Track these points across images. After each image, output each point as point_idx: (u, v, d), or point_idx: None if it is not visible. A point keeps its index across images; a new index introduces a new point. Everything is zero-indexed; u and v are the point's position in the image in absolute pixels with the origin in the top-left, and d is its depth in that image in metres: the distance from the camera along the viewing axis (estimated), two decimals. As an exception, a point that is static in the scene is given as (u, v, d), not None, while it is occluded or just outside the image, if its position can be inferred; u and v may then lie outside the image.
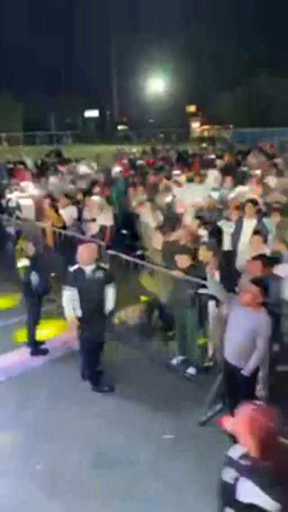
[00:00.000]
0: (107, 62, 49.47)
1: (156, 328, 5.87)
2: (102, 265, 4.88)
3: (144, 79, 48.12)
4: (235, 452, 2.16)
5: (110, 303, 4.84)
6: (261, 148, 18.94)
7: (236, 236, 6.45)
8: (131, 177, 12.04)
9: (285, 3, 41.74)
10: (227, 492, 2.09)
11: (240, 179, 10.19)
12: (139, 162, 15.95)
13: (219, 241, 6.65)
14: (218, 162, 14.74)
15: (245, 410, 2.10)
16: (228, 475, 2.12)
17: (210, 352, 5.07)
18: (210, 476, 3.65)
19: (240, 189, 9.02)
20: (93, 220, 8.10)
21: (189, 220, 7.07)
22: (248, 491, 2.00)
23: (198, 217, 6.98)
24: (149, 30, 49.68)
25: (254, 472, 2.01)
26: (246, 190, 8.71)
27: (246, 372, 3.82)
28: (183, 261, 5.09)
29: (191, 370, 5.11)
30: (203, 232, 6.55)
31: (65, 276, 4.88)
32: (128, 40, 48.41)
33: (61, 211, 8.02)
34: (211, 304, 4.88)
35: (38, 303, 5.55)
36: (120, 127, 50.17)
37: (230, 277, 4.86)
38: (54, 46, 49.73)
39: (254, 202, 6.72)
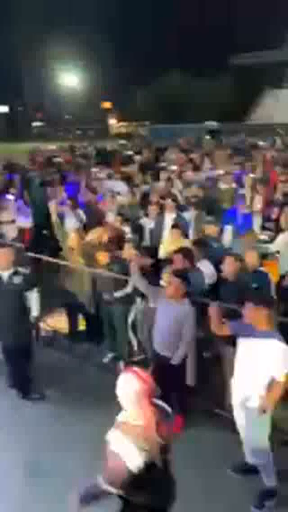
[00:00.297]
0: (18, 57, 47.33)
1: (84, 330, 5.80)
2: (21, 269, 4.67)
3: (58, 75, 46.97)
4: (120, 415, 2.42)
5: (34, 309, 4.64)
6: (178, 144, 19.59)
7: (157, 231, 6.61)
8: (48, 176, 11.70)
9: (193, 5, 43.52)
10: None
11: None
12: (56, 159, 15.54)
13: (141, 237, 6.76)
14: (137, 158, 14.95)
15: (122, 376, 2.34)
16: (110, 433, 2.35)
17: (135, 346, 5.13)
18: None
19: (158, 184, 9.27)
20: (12, 221, 7.75)
21: (111, 217, 7.08)
22: (118, 440, 2.27)
23: (119, 214, 7.02)
24: (61, 25, 48.51)
25: (126, 427, 2.29)
26: (163, 186, 8.97)
27: (175, 361, 3.97)
28: (103, 258, 5.10)
29: (121, 366, 5.15)
30: (126, 229, 6.61)
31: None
32: (39, 35, 46.78)
33: None
34: (137, 299, 4.96)
35: None
36: (35, 123, 48.48)
37: (153, 272, 4.97)
38: None
39: (173, 197, 6.93)
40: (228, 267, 4.34)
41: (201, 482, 3.64)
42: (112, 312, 5.13)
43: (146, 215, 7.20)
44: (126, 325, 5.07)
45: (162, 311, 4.07)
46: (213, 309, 3.56)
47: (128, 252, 5.03)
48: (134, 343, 5.13)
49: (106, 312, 5.23)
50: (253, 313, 3.21)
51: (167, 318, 3.98)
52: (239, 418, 3.48)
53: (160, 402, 2.46)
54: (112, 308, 5.10)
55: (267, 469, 3.38)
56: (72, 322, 5.68)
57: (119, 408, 2.45)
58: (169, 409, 2.48)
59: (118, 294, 4.95)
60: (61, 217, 7.50)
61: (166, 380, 4.16)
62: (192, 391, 4.39)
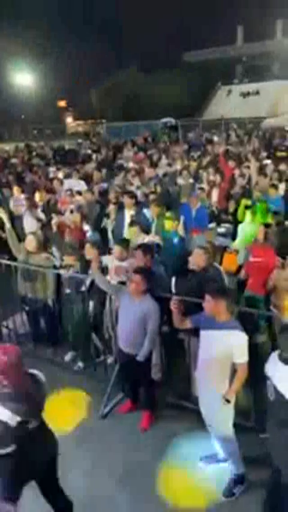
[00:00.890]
0: None
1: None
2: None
3: (11, 74, 45.60)
4: None
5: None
6: (134, 141, 19.65)
7: (118, 229, 6.60)
8: (4, 177, 11.39)
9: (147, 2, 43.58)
10: None
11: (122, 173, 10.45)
12: (13, 160, 15.17)
13: (105, 239, 6.76)
14: (95, 157, 14.87)
15: None
16: None
17: (98, 345, 5.10)
18: (116, 464, 3.77)
19: (116, 182, 9.28)
20: None
21: (69, 216, 7.00)
22: None
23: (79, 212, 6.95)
24: (11, 22, 47.09)
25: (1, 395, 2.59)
26: (121, 183, 8.99)
27: (140, 357, 3.97)
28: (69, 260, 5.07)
29: (80, 364, 5.14)
30: (87, 227, 6.56)
31: None
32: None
33: None
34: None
35: None
36: (-12, 124, 46.90)
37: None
38: None
39: (130, 194, 6.94)
40: (195, 258, 4.38)
41: (171, 474, 3.68)
42: (72, 310, 5.08)
43: (106, 215, 7.17)
44: (85, 324, 5.02)
45: (125, 308, 4.06)
46: (175, 304, 3.60)
47: (89, 251, 4.96)
48: (97, 342, 5.08)
49: (67, 311, 5.17)
50: (212, 305, 3.28)
51: (130, 315, 3.97)
52: (204, 408, 3.54)
53: (35, 371, 2.90)
54: (72, 307, 5.05)
55: (233, 456, 3.47)
56: (34, 325, 5.55)
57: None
58: (42, 378, 2.88)
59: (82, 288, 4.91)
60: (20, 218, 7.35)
61: (133, 376, 4.20)
62: (159, 385, 4.44)
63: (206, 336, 3.38)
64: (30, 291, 5.26)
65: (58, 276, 5.23)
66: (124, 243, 5.05)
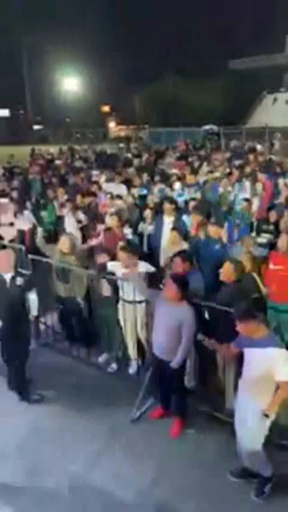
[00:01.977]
0: (19, 60, 47.49)
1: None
2: (22, 271, 4.68)
3: (59, 79, 47.09)
4: None
5: (33, 309, 4.69)
6: (176, 147, 19.68)
7: (157, 235, 6.61)
8: (47, 178, 11.75)
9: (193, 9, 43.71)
10: None
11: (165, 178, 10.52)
12: (57, 162, 15.61)
13: (141, 242, 6.80)
14: (136, 162, 15.01)
15: None
16: None
17: (130, 348, 5.11)
18: (145, 470, 3.77)
19: (156, 187, 9.32)
20: (11, 224, 7.79)
21: (110, 220, 7.10)
22: None
23: (118, 216, 7.03)
24: (61, 28, 48.66)
25: None
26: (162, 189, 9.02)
27: (174, 364, 3.94)
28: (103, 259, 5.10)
29: (114, 366, 5.16)
30: (127, 231, 6.64)
31: None
32: (39, 38, 46.90)
33: None
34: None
35: None
36: (36, 127, 48.59)
37: (154, 276, 4.98)
38: None
39: (171, 200, 6.94)
40: (225, 272, 4.35)
41: (200, 484, 3.63)
42: (106, 313, 5.13)
43: (143, 220, 7.20)
44: (119, 326, 5.05)
45: (160, 314, 4.03)
46: (208, 343, 3.72)
47: (121, 255, 4.94)
48: (130, 344, 5.10)
49: (101, 313, 5.23)
50: (243, 328, 3.30)
51: (165, 322, 3.93)
52: (239, 422, 3.49)
53: None
54: (106, 309, 5.10)
55: (261, 466, 3.45)
56: (67, 325, 5.66)
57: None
58: None
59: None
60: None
61: (166, 383, 4.18)
62: (192, 393, 4.40)
63: (247, 353, 3.37)
64: (64, 291, 5.40)
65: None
66: (127, 248, 4.96)
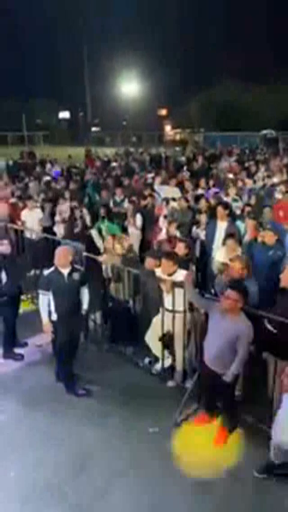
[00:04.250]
0: (80, 64, 49.17)
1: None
2: (78, 267, 4.85)
3: (116, 82, 48.13)
4: None
5: (85, 303, 4.85)
6: (231, 151, 19.36)
7: (209, 239, 6.54)
8: (103, 179, 12.03)
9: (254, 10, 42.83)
10: None
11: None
12: (113, 164, 15.95)
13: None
14: (190, 165, 14.94)
15: None
16: None
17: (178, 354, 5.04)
18: (186, 475, 3.73)
19: (209, 191, 9.23)
20: (66, 222, 8.06)
21: (163, 222, 7.15)
22: None
23: (172, 219, 7.06)
24: (122, 32, 49.89)
25: None
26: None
27: (227, 378, 3.82)
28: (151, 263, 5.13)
29: (158, 367, 5.11)
30: (179, 234, 6.63)
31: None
32: (100, 44, 48.41)
33: (25, 214, 8.12)
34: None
35: (12, 305, 5.43)
36: (94, 129, 50.02)
37: (204, 281, 4.92)
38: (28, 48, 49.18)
39: (224, 205, 6.84)
40: (286, 276, 4.17)
41: (240, 494, 3.55)
42: (149, 315, 5.11)
43: (196, 223, 7.13)
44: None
45: (215, 324, 3.89)
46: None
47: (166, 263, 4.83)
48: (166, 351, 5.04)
49: (147, 315, 5.20)
50: None
51: (220, 333, 3.78)
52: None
53: None
54: (149, 311, 5.10)
55: None
56: (114, 324, 5.74)
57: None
58: None
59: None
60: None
61: (214, 392, 4.10)
62: (238, 403, 4.30)
63: None
64: (114, 290, 5.50)
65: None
66: (172, 256, 4.89)
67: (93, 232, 7.38)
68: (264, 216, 6.91)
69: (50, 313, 4.66)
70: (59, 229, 7.96)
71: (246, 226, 6.44)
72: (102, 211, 7.70)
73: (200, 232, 6.96)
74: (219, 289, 4.68)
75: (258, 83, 41.30)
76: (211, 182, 10.42)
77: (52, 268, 4.67)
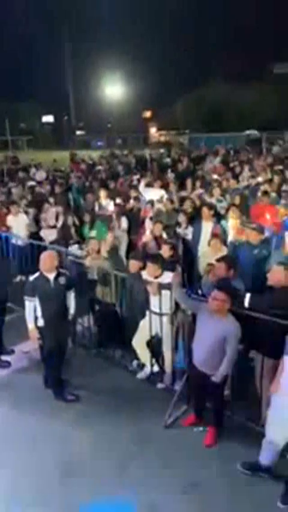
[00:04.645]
0: (63, 67, 49.11)
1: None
2: (64, 271, 4.82)
3: (100, 84, 48.16)
4: None
5: (71, 308, 4.81)
6: (216, 153, 19.48)
7: (195, 240, 6.57)
8: (89, 182, 11.99)
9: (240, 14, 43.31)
10: None
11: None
12: (98, 167, 15.91)
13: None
14: (175, 167, 14.99)
15: None
16: None
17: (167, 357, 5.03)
18: (176, 476, 3.73)
19: (195, 192, 9.27)
20: (53, 227, 8.02)
21: (149, 224, 7.15)
22: None
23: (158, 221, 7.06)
24: (104, 35, 49.93)
25: None
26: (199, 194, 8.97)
27: (216, 379, 3.84)
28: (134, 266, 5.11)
29: (147, 371, 5.10)
30: (165, 236, 6.64)
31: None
32: (83, 47, 48.37)
33: (11, 219, 8.04)
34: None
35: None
36: (78, 132, 49.92)
37: (191, 282, 4.93)
38: (9, 51, 48.82)
39: (209, 206, 6.87)
40: (275, 275, 4.14)
41: (230, 494, 3.56)
42: (135, 319, 5.11)
43: (178, 224, 7.16)
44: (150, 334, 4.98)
45: (204, 326, 3.89)
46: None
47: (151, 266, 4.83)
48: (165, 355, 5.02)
49: (133, 319, 5.20)
50: None
51: (208, 334, 3.79)
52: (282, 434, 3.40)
53: None
54: (139, 316, 5.07)
55: None
56: (102, 327, 5.72)
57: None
58: None
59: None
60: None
61: (203, 392, 4.10)
62: (227, 403, 4.31)
63: None
64: (99, 293, 5.49)
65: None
66: (158, 260, 4.87)
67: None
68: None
69: (36, 319, 4.62)
70: (46, 235, 7.90)
71: (230, 226, 6.49)
72: (87, 218, 7.63)
73: (182, 232, 6.97)
74: (206, 290, 4.70)
75: (243, 83, 41.76)
76: (198, 183, 10.47)
77: (37, 274, 4.63)
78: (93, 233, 7.12)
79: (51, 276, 4.57)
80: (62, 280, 4.61)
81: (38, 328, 4.63)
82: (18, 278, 7.49)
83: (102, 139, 40.14)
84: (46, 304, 4.54)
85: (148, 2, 49.41)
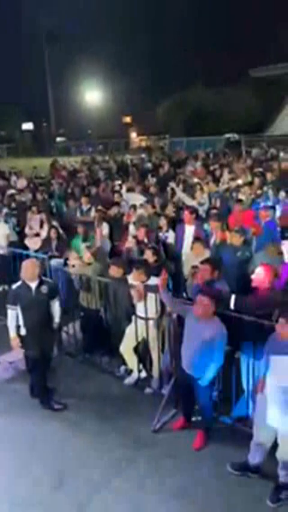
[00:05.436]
0: (42, 75, 48.85)
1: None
2: (47, 279, 4.78)
3: (79, 90, 48.12)
4: None
5: (56, 317, 4.76)
6: (196, 156, 19.68)
7: (178, 244, 6.60)
8: (70, 189, 11.95)
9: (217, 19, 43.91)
10: None
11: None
12: (79, 174, 15.85)
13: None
14: (156, 171, 15.07)
15: None
16: None
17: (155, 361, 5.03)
18: (167, 480, 3.72)
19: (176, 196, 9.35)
20: (37, 235, 7.95)
21: (133, 229, 7.16)
22: None
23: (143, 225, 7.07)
24: (82, 42, 50.00)
25: None
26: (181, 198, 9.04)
27: (204, 382, 3.87)
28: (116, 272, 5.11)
29: (134, 377, 5.09)
30: (146, 240, 6.66)
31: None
32: (61, 53, 48.27)
33: None
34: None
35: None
36: (59, 139, 49.66)
37: (177, 285, 4.95)
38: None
39: (191, 209, 6.92)
40: (259, 276, 4.21)
41: (220, 495, 3.57)
42: (120, 325, 5.10)
43: (159, 228, 7.18)
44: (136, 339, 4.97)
45: (191, 330, 3.91)
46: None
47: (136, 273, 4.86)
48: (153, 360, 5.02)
49: (118, 325, 5.19)
50: (286, 330, 3.18)
51: (196, 338, 3.82)
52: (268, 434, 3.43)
53: None
54: (124, 321, 5.07)
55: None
56: (87, 334, 5.68)
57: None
58: None
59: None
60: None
61: (191, 395, 4.11)
62: (214, 405, 4.33)
63: (277, 361, 3.25)
64: (83, 300, 5.47)
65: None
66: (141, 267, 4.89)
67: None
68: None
69: (18, 327, 4.56)
70: (30, 243, 7.81)
71: (211, 229, 6.55)
72: (80, 229, 7.33)
73: (163, 235, 7.00)
74: (191, 292, 4.72)
75: (222, 87, 42.30)
76: (180, 187, 10.54)
77: (19, 282, 4.58)
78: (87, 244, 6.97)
79: (33, 285, 4.52)
80: (45, 289, 4.55)
81: (20, 336, 4.58)
82: (0, 287, 7.39)
83: (90, 145, 40.10)
84: (28, 312, 4.49)
85: (126, 7, 49.77)
